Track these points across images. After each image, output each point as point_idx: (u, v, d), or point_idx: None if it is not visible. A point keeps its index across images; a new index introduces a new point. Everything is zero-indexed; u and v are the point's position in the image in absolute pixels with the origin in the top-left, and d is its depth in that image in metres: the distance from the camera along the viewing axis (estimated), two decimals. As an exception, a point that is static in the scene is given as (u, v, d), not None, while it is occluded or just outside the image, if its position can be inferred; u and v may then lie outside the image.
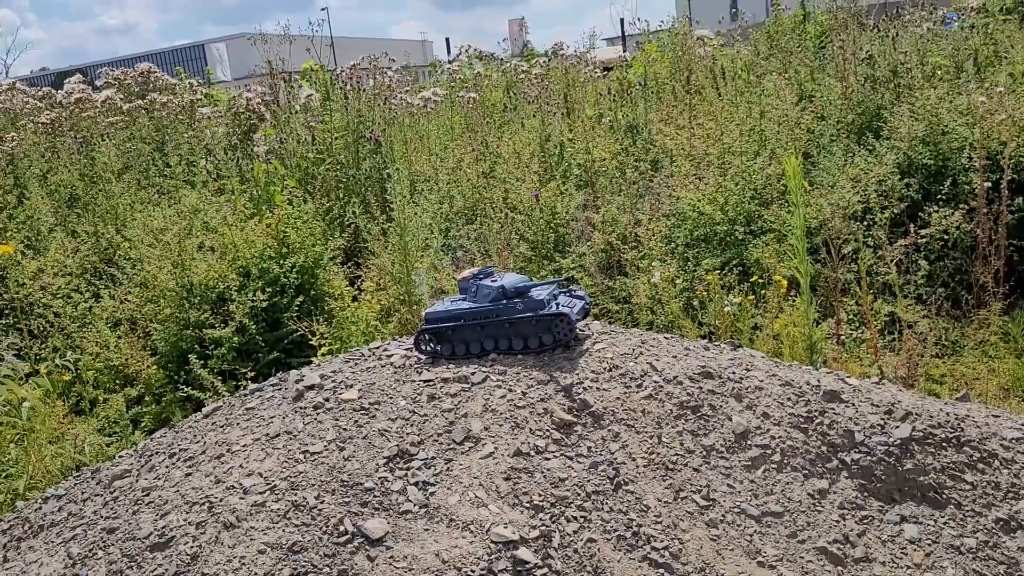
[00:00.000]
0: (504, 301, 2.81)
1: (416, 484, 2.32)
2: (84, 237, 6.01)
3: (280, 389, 2.92)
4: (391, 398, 2.65)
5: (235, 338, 5.11)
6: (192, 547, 2.16)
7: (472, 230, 6.34)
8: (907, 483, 2.41)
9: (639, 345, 2.82)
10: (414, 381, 2.72)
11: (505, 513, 2.21)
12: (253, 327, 5.22)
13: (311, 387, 2.77)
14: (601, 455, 2.41)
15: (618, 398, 2.58)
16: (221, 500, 2.28)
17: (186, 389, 4.60)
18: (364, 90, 7.02)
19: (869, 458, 2.44)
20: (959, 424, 2.56)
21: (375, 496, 2.28)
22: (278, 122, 7.36)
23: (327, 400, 2.67)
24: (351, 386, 2.74)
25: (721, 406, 2.56)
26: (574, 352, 2.78)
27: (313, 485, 2.31)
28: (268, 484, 2.32)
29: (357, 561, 2.09)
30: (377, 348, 3.11)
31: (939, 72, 6.35)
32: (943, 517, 2.34)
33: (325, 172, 6.70)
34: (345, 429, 2.52)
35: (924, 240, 5.01)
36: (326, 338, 4.93)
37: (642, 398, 2.58)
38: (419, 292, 4.84)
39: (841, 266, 4.73)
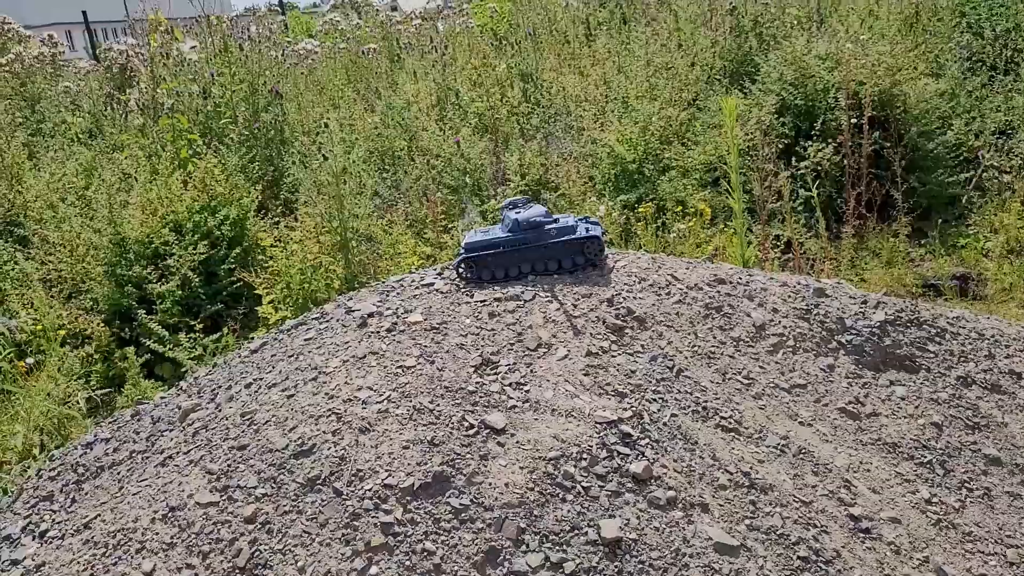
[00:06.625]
0: (532, 230, 3.15)
1: (510, 385, 2.65)
2: (-20, 199, 5.73)
3: (327, 321, 3.13)
4: (454, 318, 2.95)
5: (179, 292, 5.13)
6: (336, 451, 2.40)
7: (385, 177, 6.53)
8: (888, 356, 3.01)
9: (652, 262, 3.26)
10: (468, 303, 3.03)
11: (596, 401, 2.60)
12: (196, 280, 5.24)
13: (371, 315, 3.01)
14: (655, 351, 2.84)
15: (653, 304, 3.02)
16: (345, 411, 2.52)
17: (148, 343, 4.61)
18: (259, 41, 6.96)
19: (859, 338, 3.01)
20: (914, 307, 3.19)
21: (480, 397, 2.60)
22: (155, 77, 7.16)
23: (396, 324, 2.93)
24: (410, 311, 3.01)
25: (738, 305, 3.05)
26: (604, 270, 3.18)
27: (422, 392, 2.59)
28: (381, 395, 2.58)
29: (491, 447, 2.41)
30: (400, 280, 3.37)
31: (799, 22, 7.14)
32: (919, 379, 2.96)
33: (225, 126, 6.66)
34: (426, 346, 2.81)
35: (801, 172, 5.75)
36: (268, 287, 5.05)
37: (673, 303, 3.03)
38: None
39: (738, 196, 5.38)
